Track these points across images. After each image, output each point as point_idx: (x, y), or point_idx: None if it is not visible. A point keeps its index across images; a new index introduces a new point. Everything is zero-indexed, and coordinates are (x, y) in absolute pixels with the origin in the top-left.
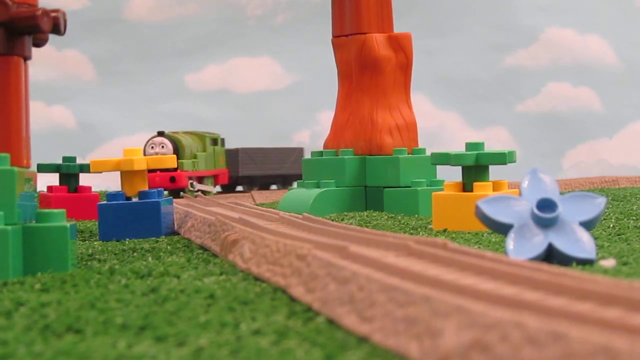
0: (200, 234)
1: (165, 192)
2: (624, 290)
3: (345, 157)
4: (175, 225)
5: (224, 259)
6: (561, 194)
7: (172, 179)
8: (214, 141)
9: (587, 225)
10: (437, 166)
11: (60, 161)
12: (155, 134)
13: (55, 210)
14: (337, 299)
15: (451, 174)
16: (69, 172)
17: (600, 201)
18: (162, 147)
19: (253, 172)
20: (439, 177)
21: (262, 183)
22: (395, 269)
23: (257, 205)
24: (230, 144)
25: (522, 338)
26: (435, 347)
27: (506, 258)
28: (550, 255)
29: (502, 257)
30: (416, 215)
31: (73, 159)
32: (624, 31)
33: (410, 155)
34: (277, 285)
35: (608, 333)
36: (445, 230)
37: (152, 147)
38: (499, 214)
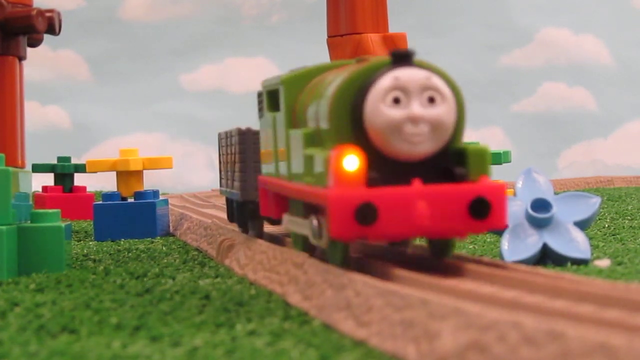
0: (196, 236)
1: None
2: (622, 291)
3: None
4: (171, 227)
5: (220, 263)
6: (556, 194)
7: (482, 206)
8: None
9: (582, 225)
10: None
11: (55, 161)
12: (390, 58)
13: (50, 211)
14: (334, 305)
15: None
16: (63, 172)
17: (595, 201)
18: (432, 100)
19: None
20: None
21: None
22: (392, 274)
23: None
24: None
25: (519, 338)
26: (433, 350)
27: (500, 262)
28: (545, 256)
29: (498, 261)
30: None
31: (68, 159)
32: (619, 31)
33: None
34: (274, 292)
35: (606, 332)
36: None
37: (397, 100)
38: None
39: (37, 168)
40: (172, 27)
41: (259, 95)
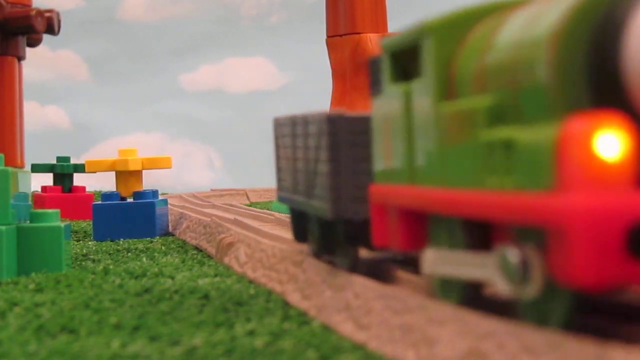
0: (195, 235)
1: None
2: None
3: None
4: (170, 227)
5: (219, 261)
6: None
7: None
8: None
9: None
10: None
11: (54, 161)
12: None
13: (50, 211)
14: (334, 306)
15: None
16: (63, 172)
17: None
18: None
19: None
20: None
21: None
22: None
23: (251, 204)
24: (225, 143)
25: (519, 346)
26: (432, 355)
27: None
28: None
29: None
30: None
31: (67, 159)
32: None
33: None
34: (274, 290)
35: (604, 342)
36: None
37: None
38: None
39: (37, 168)
40: (171, 27)
41: (373, 63)
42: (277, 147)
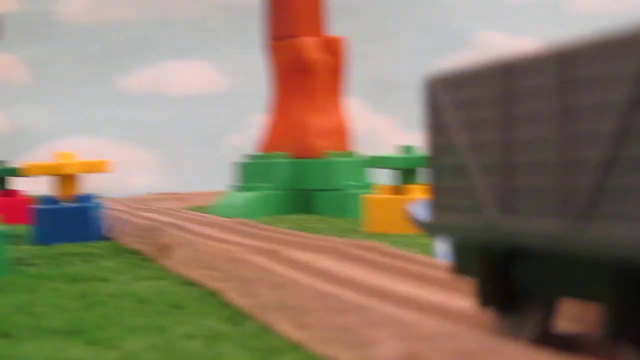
0: (133, 238)
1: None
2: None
3: (277, 160)
4: (107, 231)
5: (156, 263)
6: None
7: None
8: None
9: None
10: (370, 169)
11: None
12: None
13: None
14: (271, 305)
15: (385, 177)
16: None
17: None
18: None
19: None
20: (372, 180)
21: None
22: (329, 274)
23: (191, 208)
24: (163, 147)
25: (455, 351)
26: (369, 357)
27: (435, 261)
28: None
29: (430, 259)
30: (347, 218)
31: (1, 162)
32: (555, 34)
33: (341, 158)
34: (211, 288)
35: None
36: (376, 233)
37: None
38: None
39: None
40: (109, 30)
41: None
42: (436, 130)
